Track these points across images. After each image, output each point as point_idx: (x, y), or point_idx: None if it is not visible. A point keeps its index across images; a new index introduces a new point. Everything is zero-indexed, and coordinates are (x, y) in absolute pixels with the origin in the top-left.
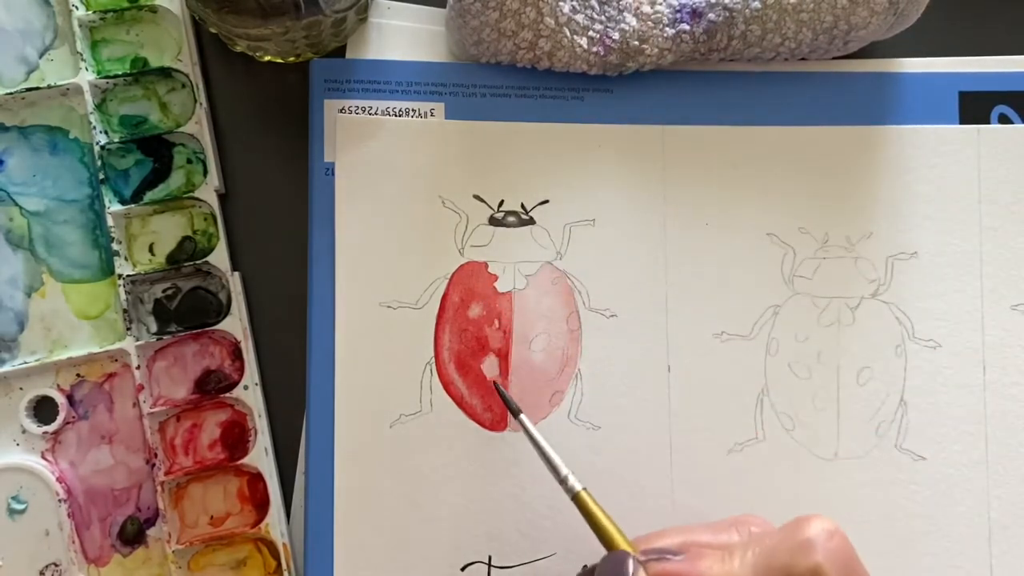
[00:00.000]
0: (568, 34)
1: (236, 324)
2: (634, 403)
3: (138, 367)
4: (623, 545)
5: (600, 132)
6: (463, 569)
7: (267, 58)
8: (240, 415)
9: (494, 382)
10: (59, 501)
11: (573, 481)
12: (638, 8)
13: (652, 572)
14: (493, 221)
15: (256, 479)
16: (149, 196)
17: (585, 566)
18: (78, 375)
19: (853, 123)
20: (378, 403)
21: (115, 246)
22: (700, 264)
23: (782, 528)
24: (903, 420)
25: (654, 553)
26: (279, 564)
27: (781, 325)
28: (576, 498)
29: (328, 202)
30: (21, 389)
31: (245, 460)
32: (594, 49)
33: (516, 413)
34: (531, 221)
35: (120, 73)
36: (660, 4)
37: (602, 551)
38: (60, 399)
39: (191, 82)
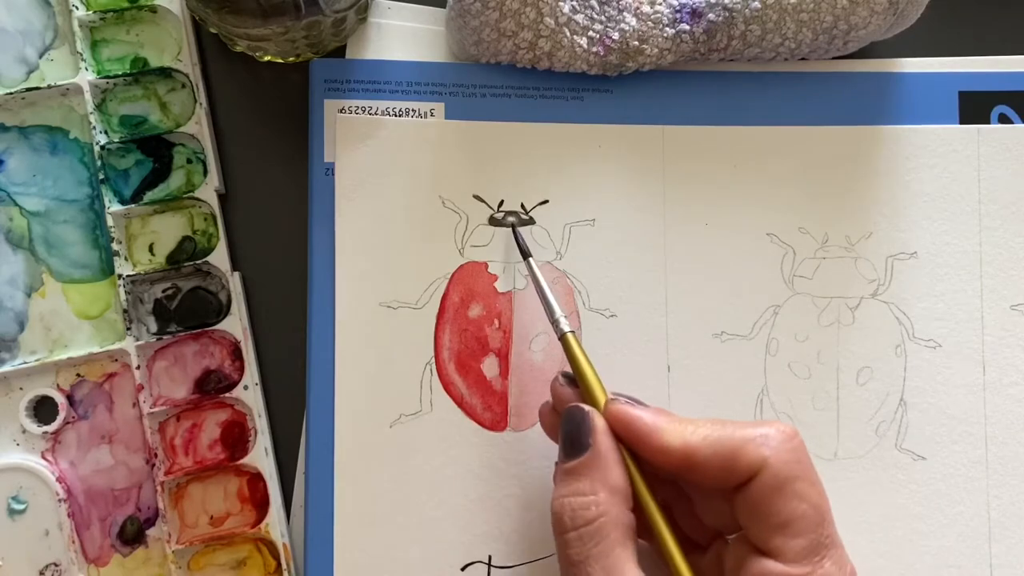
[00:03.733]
0: (568, 34)
1: (236, 324)
2: None
3: (138, 367)
4: (598, 392)
5: (600, 132)
6: (463, 569)
7: (267, 58)
8: (240, 415)
9: (512, 226)
10: (59, 501)
11: (564, 323)
12: (638, 8)
13: (610, 409)
14: (493, 221)
15: (256, 479)
16: (149, 196)
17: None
18: (78, 375)
19: (853, 123)
20: (378, 403)
21: (115, 246)
22: (700, 264)
23: (750, 421)
24: (903, 420)
25: (623, 399)
26: (279, 564)
27: (781, 325)
28: (563, 339)
29: (328, 202)
30: (21, 389)
31: (245, 460)
32: (594, 49)
33: (526, 255)
34: (531, 221)
35: (120, 73)
36: (660, 4)
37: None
38: (60, 399)
39: (191, 82)
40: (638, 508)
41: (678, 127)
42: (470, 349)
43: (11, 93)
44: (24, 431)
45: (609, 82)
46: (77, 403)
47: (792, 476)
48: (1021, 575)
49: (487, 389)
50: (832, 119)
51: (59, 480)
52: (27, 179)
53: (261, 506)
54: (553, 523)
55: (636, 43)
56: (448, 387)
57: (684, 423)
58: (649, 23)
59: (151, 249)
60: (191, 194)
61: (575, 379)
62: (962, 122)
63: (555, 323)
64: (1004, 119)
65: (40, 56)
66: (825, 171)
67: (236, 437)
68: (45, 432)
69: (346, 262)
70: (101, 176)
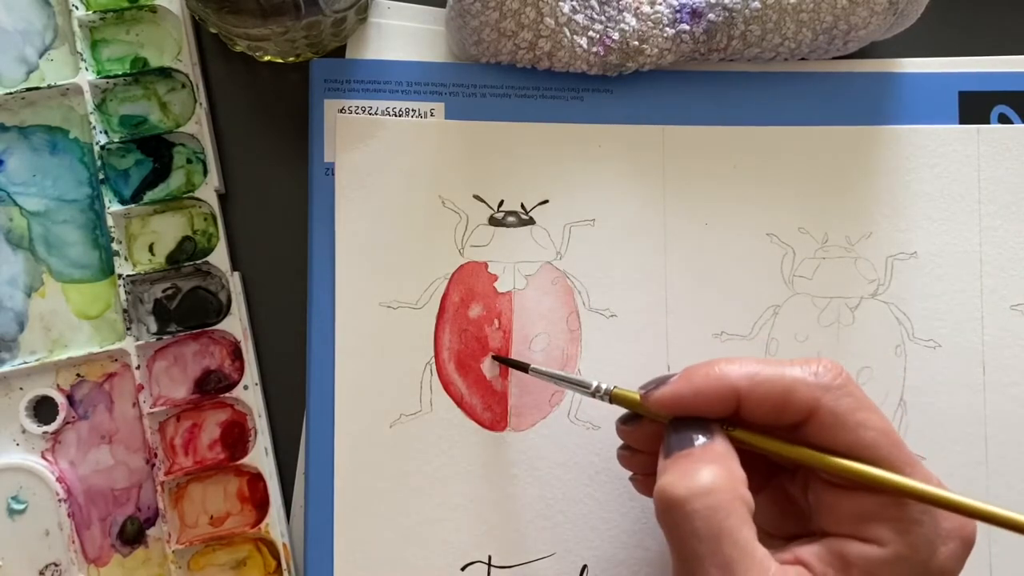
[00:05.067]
0: (568, 34)
1: (236, 324)
2: None
3: (138, 367)
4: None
5: (600, 132)
6: (463, 569)
7: (267, 58)
8: (240, 415)
9: (531, 368)
10: (59, 501)
11: (603, 384)
12: (638, 8)
13: (660, 398)
14: (493, 221)
15: (256, 479)
16: (149, 196)
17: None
18: (78, 375)
19: (853, 123)
20: (378, 403)
21: (115, 246)
22: (700, 264)
23: (796, 360)
24: (903, 420)
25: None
26: (279, 564)
27: (781, 325)
28: (614, 396)
29: (328, 202)
30: (21, 389)
31: (245, 460)
32: (594, 49)
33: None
34: (531, 221)
35: (120, 73)
36: (660, 4)
37: (597, 547)
38: (60, 399)
39: (191, 82)
40: None
41: (678, 127)
42: (470, 349)
43: (11, 93)
44: (24, 431)
45: (609, 82)
46: (77, 403)
47: (850, 408)
48: (1021, 575)
49: (487, 389)
50: (832, 119)
51: (59, 480)
52: (27, 179)
53: (261, 506)
54: (672, 502)
55: (636, 43)
56: (448, 387)
57: (725, 367)
58: (649, 23)
59: (151, 249)
60: (191, 194)
61: (631, 418)
62: (962, 122)
63: (598, 391)
64: (1004, 119)
65: (40, 56)
66: (825, 171)
67: (236, 437)
68: (45, 432)
69: (346, 262)
70: (101, 176)
